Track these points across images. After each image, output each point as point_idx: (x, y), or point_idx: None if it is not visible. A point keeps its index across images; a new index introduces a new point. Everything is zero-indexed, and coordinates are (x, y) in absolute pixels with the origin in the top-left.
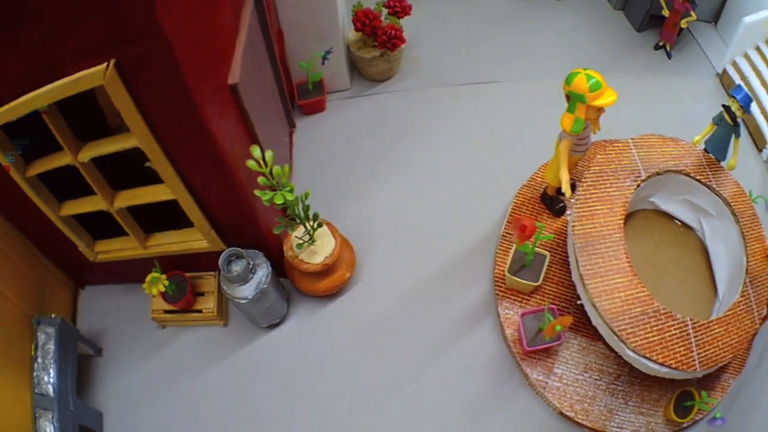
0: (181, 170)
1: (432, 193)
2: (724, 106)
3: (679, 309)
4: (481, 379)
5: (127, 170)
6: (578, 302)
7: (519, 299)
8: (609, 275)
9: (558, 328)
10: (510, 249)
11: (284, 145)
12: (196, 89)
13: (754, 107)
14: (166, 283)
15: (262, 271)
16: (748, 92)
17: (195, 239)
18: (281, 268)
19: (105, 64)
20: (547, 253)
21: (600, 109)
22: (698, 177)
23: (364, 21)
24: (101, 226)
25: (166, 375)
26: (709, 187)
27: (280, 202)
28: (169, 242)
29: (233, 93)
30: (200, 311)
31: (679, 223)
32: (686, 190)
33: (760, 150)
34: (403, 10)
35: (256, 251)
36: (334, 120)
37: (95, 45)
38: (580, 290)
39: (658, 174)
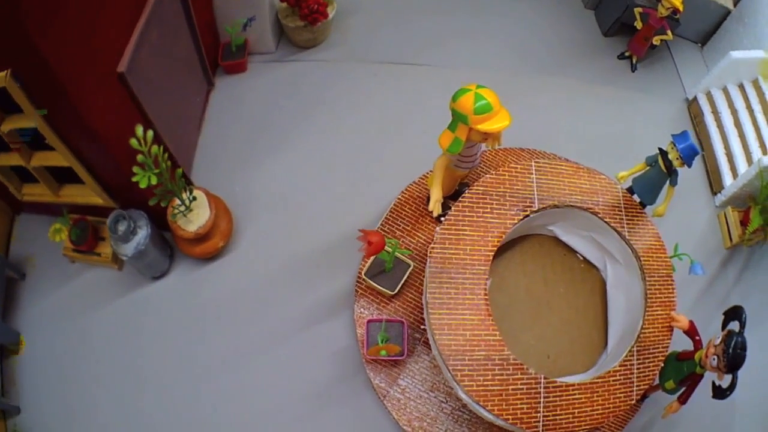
0: (71, 146)
1: (327, 173)
2: (660, 150)
3: (554, 351)
4: (330, 369)
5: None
6: (418, 334)
7: (377, 301)
8: (458, 309)
9: (383, 353)
10: None
11: (196, 105)
12: (72, 90)
13: (717, 147)
14: (65, 236)
15: (142, 233)
16: (695, 145)
17: (93, 195)
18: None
19: (4, 72)
20: (411, 263)
21: (486, 134)
22: (608, 219)
23: None
24: (29, 173)
25: (72, 305)
26: (619, 233)
27: (144, 186)
28: (75, 194)
29: (121, 80)
30: (99, 254)
31: (581, 257)
32: (592, 228)
33: (714, 193)
34: None
35: (141, 212)
36: (253, 82)
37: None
38: (425, 315)
39: (555, 207)
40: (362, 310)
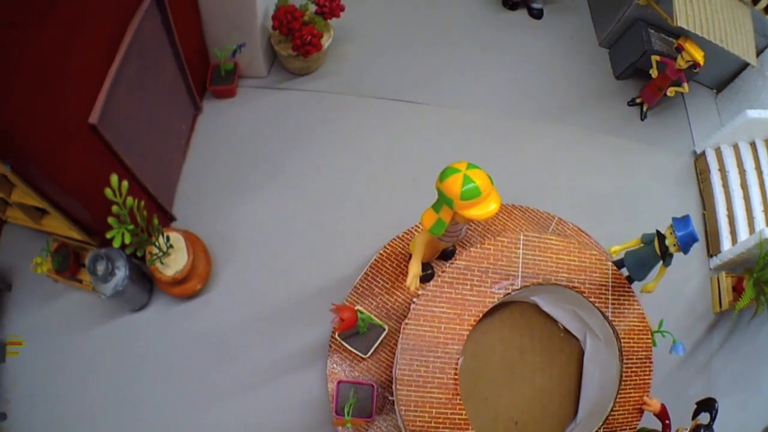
0: (42, 195)
1: (309, 215)
2: (658, 233)
3: (523, 418)
4: (298, 419)
5: None
6: (390, 397)
7: (350, 358)
8: (426, 386)
9: (348, 425)
10: (358, 302)
11: (181, 133)
12: (38, 151)
13: (720, 209)
14: (47, 268)
15: (120, 274)
16: (695, 232)
17: (72, 230)
18: None
19: None
20: (386, 326)
21: (471, 219)
22: (593, 299)
23: (282, 20)
24: None
25: (54, 323)
26: (602, 313)
27: (117, 246)
28: (56, 226)
29: (94, 131)
30: (81, 281)
31: (561, 327)
32: (576, 303)
33: (710, 255)
34: (332, 12)
35: (120, 252)
36: (242, 110)
37: None
38: (394, 388)
39: (540, 284)
40: (335, 365)
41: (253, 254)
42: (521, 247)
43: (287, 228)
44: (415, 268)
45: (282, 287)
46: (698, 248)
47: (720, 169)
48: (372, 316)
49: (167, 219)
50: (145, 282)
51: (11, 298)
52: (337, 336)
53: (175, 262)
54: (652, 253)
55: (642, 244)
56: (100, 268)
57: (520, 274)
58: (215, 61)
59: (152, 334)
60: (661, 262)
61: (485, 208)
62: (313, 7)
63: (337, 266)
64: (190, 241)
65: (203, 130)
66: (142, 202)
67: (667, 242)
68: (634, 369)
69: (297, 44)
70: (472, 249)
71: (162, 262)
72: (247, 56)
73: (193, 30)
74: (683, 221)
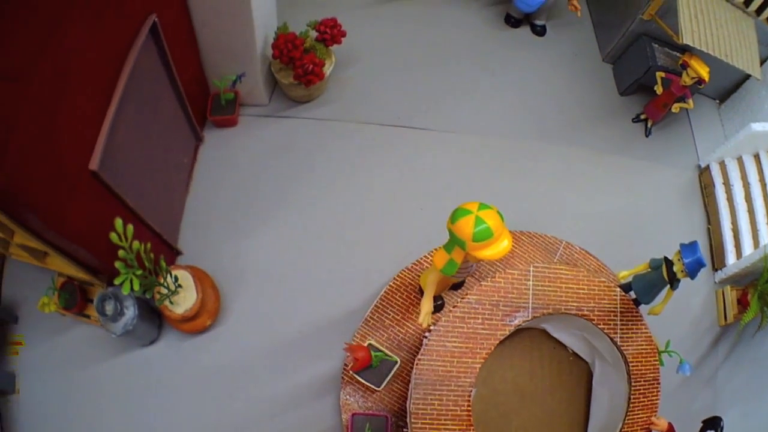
0: (45, 241)
1: (317, 246)
2: (666, 260)
3: None
4: None
5: None
6: (405, 429)
7: (363, 389)
8: (440, 419)
9: None
10: (369, 335)
11: (183, 166)
12: (37, 203)
13: (724, 223)
14: (54, 307)
15: (129, 313)
16: (702, 258)
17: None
18: None
19: None
20: (398, 359)
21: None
22: (602, 325)
23: (282, 49)
24: None
25: (62, 356)
26: (611, 338)
27: (126, 292)
28: (60, 265)
29: (95, 177)
30: (89, 317)
31: (570, 351)
32: (585, 329)
33: (715, 269)
34: (333, 39)
35: None
36: (244, 139)
37: None
38: (408, 421)
39: (550, 314)
40: (348, 397)
41: (262, 287)
42: (531, 278)
43: (294, 259)
44: (427, 306)
45: (292, 320)
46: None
47: (724, 183)
48: (385, 352)
49: (173, 254)
50: (155, 317)
51: (18, 331)
52: (350, 370)
53: (184, 300)
54: (659, 278)
55: (650, 269)
56: (109, 308)
57: (530, 305)
58: (215, 90)
59: (163, 368)
60: (669, 286)
61: (497, 248)
62: (313, 34)
63: (346, 298)
64: (198, 278)
65: (205, 161)
66: (149, 244)
67: (674, 268)
68: (642, 391)
69: (299, 73)
70: (483, 283)
71: (171, 302)
72: (247, 85)
73: (192, 60)
74: (691, 247)
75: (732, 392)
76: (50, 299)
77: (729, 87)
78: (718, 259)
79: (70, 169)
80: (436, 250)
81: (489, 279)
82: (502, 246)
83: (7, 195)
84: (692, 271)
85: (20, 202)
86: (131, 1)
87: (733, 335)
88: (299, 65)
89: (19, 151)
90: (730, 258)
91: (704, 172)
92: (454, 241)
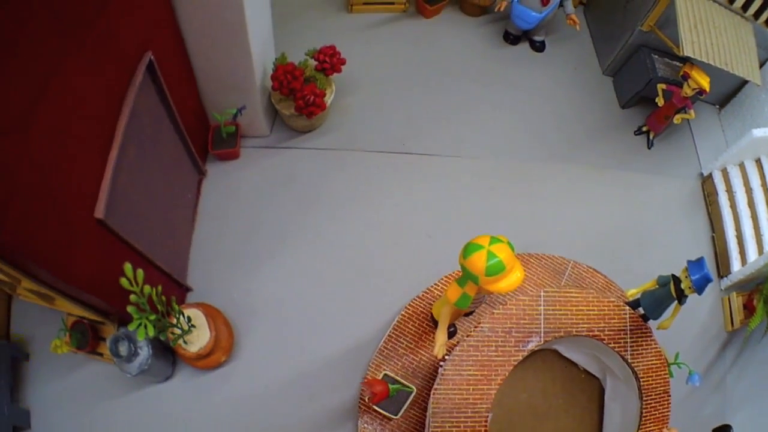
0: (53, 289)
1: (325, 276)
2: (674, 277)
3: None
4: None
5: None
6: None
7: (380, 418)
8: None
9: None
10: (384, 364)
11: (188, 202)
12: (42, 257)
13: (728, 230)
14: (67, 348)
15: (144, 353)
16: (710, 274)
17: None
18: None
19: None
20: (414, 388)
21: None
22: (612, 344)
23: (282, 81)
24: None
25: (75, 393)
26: (622, 356)
27: (141, 338)
28: (70, 307)
29: (102, 225)
30: (102, 355)
31: (582, 369)
32: (595, 348)
33: (720, 276)
34: (333, 67)
35: None
36: (247, 171)
37: None
38: None
39: (562, 337)
40: (366, 425)
41: (274, 320)
42: (542, 303)
43: (304, 290)
44: (442, 338)
45: (306, 352)
46: (709, 267)
47: (727, 190)
48: (401, 382)
49: (183, 291)
50: (169, 354)
51: (30, 368)
52: (367, 399)
53: (198, 339)
54: (667, 294)
55: (657, 286)
56: (123, 349)
57: (542, 330)
58: (215, 123)
59: (178, 404)
60: (677, 301)
61: (510, 281)
62: (312, 63)
63: (358, 327)
64: (210, 316)
65: (209, 195)
66: (160, 287)
67: (682, 285)
68: (653, 404)
69: (300, 105)
70: (495, 311)
71: (185, 341)
72: (247, 117)
73: (191, 95)
74: (698, 264)
75: (741, 395)
76: (62, 341)
77: (728, 92)
78: (723, 267)
79: (75, 219)
80: (447, 279)
81: (501, 306)
82: (514, 278)
83: (13, 251)
84: (700, 287)
85: (26, 256)
86: (126, 41)
87: (741, 340)
88: (300, 97)
89: (22, 206)
90: (735, 265)
91: (707, 181)
92: (467, 276)
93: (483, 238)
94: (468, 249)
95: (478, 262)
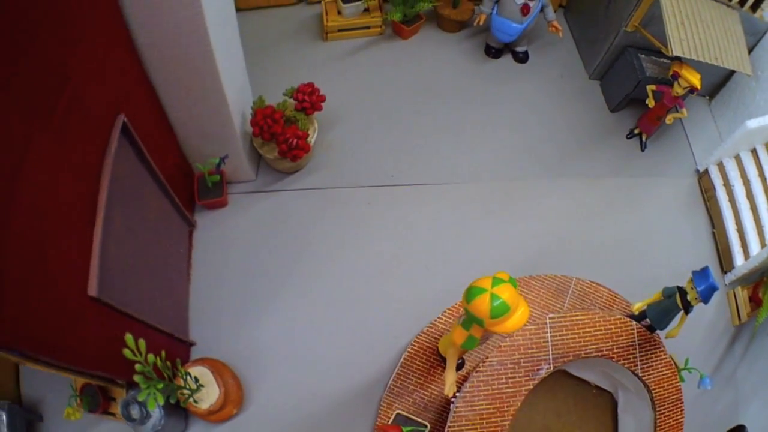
0: (57, 367)
1: (326, 318)
2: (679, 289)
3: None
4: None
5: None
6: None
7: None
8: None
9: None
10: (395, 402)
11: (181, 256)
12: (44, 346)
13: (729, 225)
14: (80, 415)
15: (156, 414)
16: (716, 283)
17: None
18: None
19: None
20: (427, 424)
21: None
22: (622, 361)
23: (262, 126)
24: None
25: None
26: (632, 372)
27: (152, 409)
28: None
29: (96, 302)
30: (114, 414)
31: (593, 385)
32: (605, 366)
33: (724, 272)
34: (314, 106)
35: None
36: (237, 218)
37: None
38: None
39: (571, 361)
40: None
41: (280, 366)
42: (548, 330)
43: (307, 333)
44: (451, 378)
45: (316, 395)
46: (712, 266)
47: (725, 184)
48: (415, 420)
49: (187, 347)
50: (181, 410)
51: (44, 429)
52: None
53: (207, 396)
54: (673, 305)
55: (663, 298)
56: (134, 412)
57: (551, 356)
58: (199, 173)
59: None
60: (682, 311)
61: (515, 320)
62: (291, 102)
63: (366, 367)
64: (217, 371)
65: (201, 245)
66: (164, 353)
67: (688, 297)
68: (666, 413)
69: (283, 149)
70: (502, 344)
71: (195, 400)
72: (231, 164)
73: (171, 150)
74: (703, 274)
75: (752, 387)
76: (74, 408)
77: (718, 81)
78: (726, 262)
79: (69, 301)
80: (450, 312)
81: (508, 338)
82: (519, 316)
83: (11, 342)
84: (706, 298)
85: (26, 348)
86: (95, 108)
87: (749, 333)
88: (282, 141)
89: (14, 299)
90: (738, 259)
91: (703, 177)
92: (471, 319)
93: (485, 280)
94: (470, 293)
95: (482, 305)
